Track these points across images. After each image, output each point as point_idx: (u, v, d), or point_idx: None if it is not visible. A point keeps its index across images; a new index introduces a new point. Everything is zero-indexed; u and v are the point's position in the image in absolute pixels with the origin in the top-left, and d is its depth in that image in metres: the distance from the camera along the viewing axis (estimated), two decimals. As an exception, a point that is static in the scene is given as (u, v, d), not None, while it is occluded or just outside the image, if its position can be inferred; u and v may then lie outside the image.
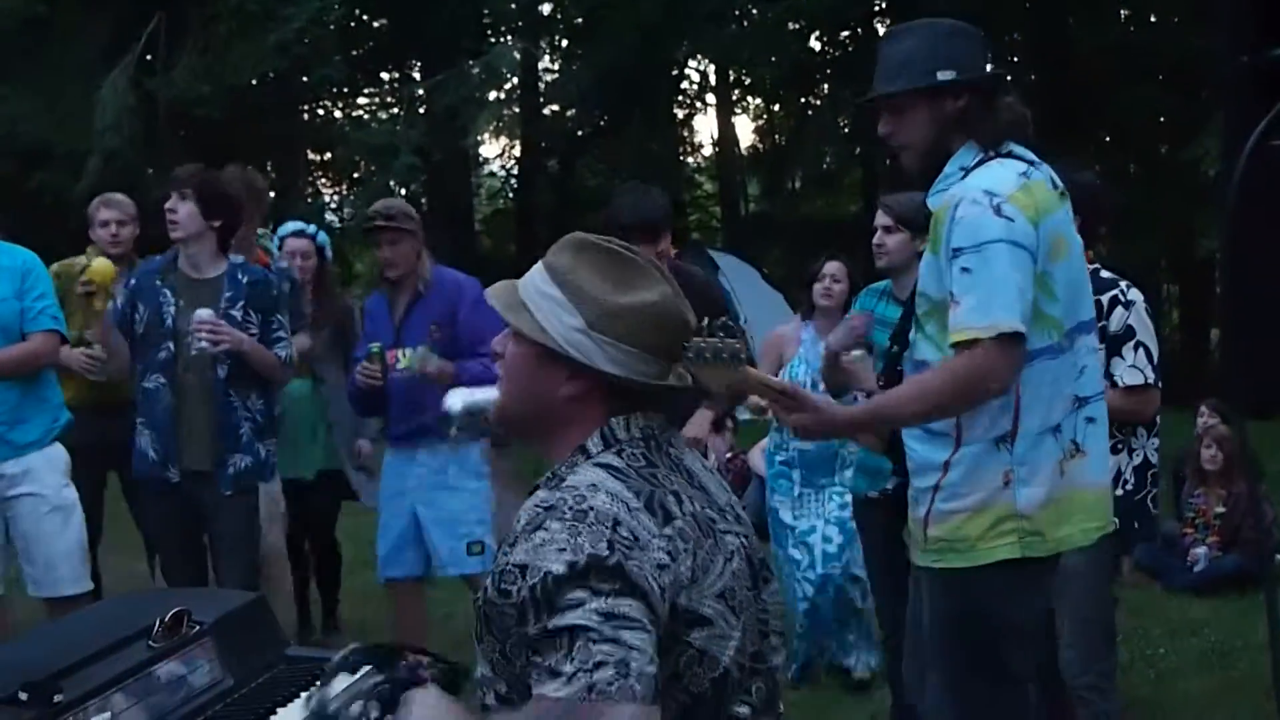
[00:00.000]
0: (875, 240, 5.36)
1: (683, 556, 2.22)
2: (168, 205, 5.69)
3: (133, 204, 7.01)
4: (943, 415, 3.59)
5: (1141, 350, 4.87)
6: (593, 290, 2.35)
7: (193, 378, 5.66)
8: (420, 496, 6.12)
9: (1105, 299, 4.83)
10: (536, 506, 2.23)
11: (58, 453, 5.83)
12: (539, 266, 2.43)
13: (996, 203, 3.45)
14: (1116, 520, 4.59)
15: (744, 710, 2.32)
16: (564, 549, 2.12)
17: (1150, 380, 4.85)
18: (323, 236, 7.29)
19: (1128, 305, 4.87)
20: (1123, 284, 4.92)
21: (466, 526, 6.11)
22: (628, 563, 2.13)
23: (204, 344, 5.52)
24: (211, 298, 5.67)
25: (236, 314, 5.66)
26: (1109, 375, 4.80)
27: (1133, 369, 4.83)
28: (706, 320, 3.37)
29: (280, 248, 7.15)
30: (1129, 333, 4.86)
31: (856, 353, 5.03)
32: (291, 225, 7.37)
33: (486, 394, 2.78)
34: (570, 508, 2.19)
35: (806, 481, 6.52)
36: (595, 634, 2.06)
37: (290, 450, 6.93)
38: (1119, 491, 4.80)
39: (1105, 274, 4.94)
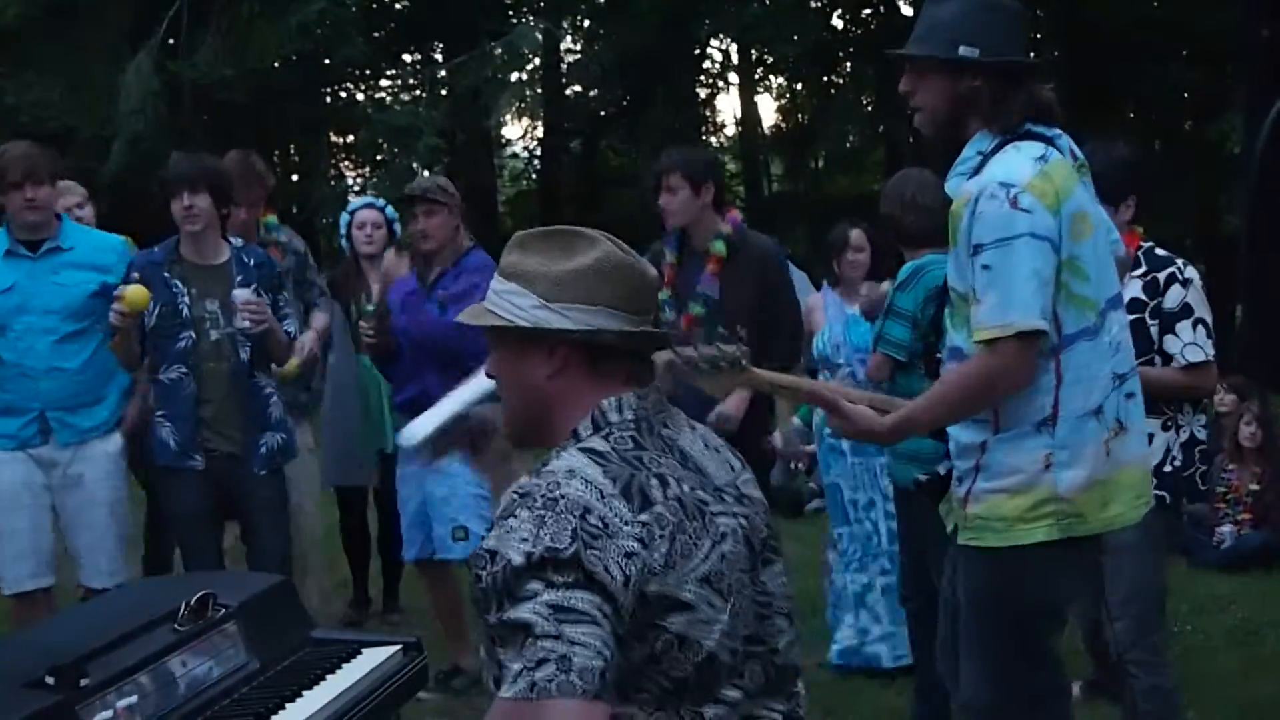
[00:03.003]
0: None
1: (658, 543, 2.24)
2: (187, 203, 5.69)
3: (82, 187, 7.04)
4: (968, 415, 3.62)
5: (1201, 327, 4.86)
6: (538, 268, 2.42)
7: (214, 364, 5.70)
8: (425, 475, 6.14)
9: (1162, 276, 4.86)
10: (514, 492, 2.27)
11: (115, 443, 5.91)
12: (494, 278, 2.50)
13: (1014, 194, 3.45)
14: (1166, 494, 4.68)
15: (734, 694, 2.33)
16: (525, 539, 2.17)
17: (1210, 356, 4.84)
18: (391, 210, 7.41)
19: (1185, 283, 4.86)
20: (1179, 261, 4.93)
21: (453, 511, 6.11)
22: (587, 553, 2.16)
23: (246, 324, 5.59)
24: (222, 283, 5.72)
25: None
26: (1164, 352, 4.83)
27: (1193, 346, 4.82)
28: (702, 328, 3.42)
29: (350, 222, 7.34)
30: (1186, 310, 4.85)
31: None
32: (363, 199, 7.66)
33: (445, 408, 2.81)
34: (542, 495, 2.23)
35: (857, 451, 6.45)
36: (540, 629, 2.11)
37: (375, 423, 7.20)
38: (1168, 468, 4.84)
39: (1160, 251, 4.95)
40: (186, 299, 5.67)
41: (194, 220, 5.71)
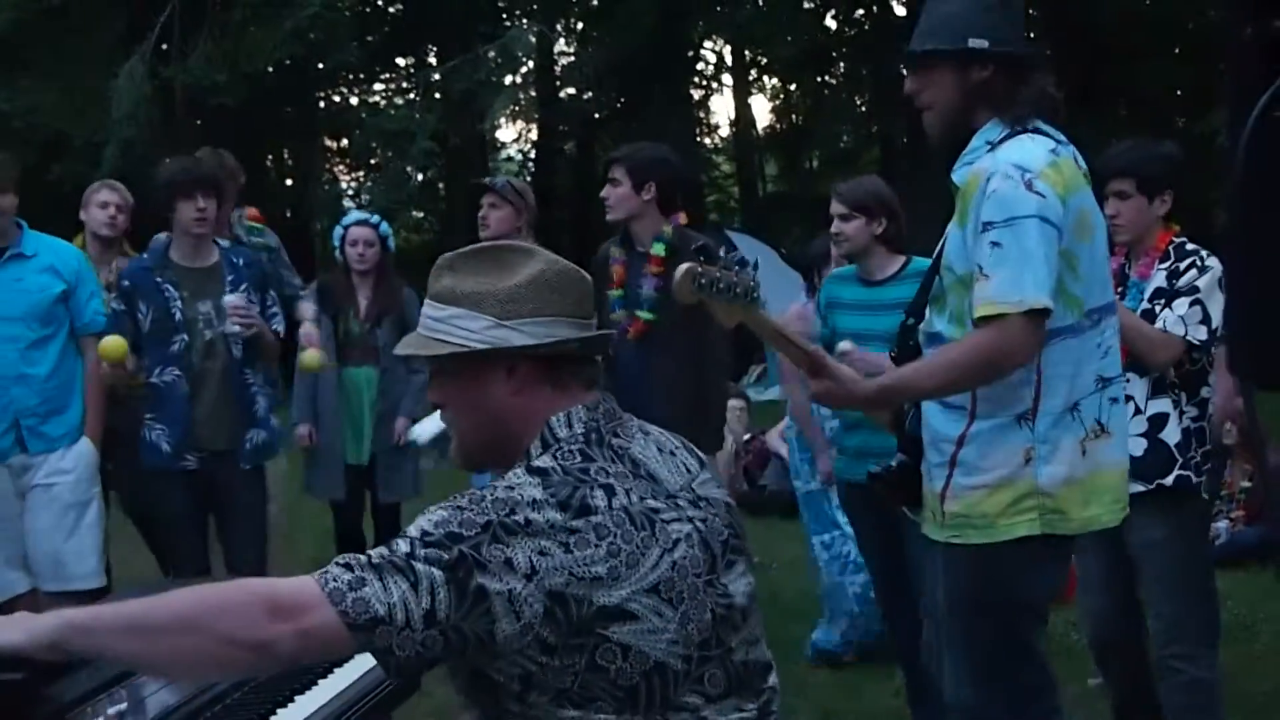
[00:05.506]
0: (834, 229, 5.40)
1: (590, 551, 2.23)
2: (201, 205, 5.76)
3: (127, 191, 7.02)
4: (966, 388, 3.55)
5: (1198, 307, 4.67)
6: (481, 288, 2.39)
7: (208, 363, 5.78)
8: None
9: (1184, 264, 4.78)
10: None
11: (85, 447, 5.84)
12: (425, 305, 2.48)
13: (1029, 178, 3.44)
14: (1191, 474, 4.67)
15: (695, 700, 2.31)
16: (431, 519, 2.23)
17: (1184, 335, 4.64)
18: (385, 227, 7.34)
19: (1202, 269, 4.72)
20: (1203, 252, 4.81)
21: None
22: (488, 548, 2.19)
23: (236, 329, 5.69)
24: (213, 284, 5.82)
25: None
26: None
27: (1178, 321, 4.65)
28: (724, 250, 3.35)
29: (344, 237, 7.22)
30: (1191, 290, 4.70)
31: (843, 345, 5.00)
32: (356, 214, 7.51)
33: None
34: (469, 497, 2.25)
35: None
36: (362, 565, 2.20)
37: (354, 435, 7.10)
38: (1190, 453, 4.73)
39: (1190, 245, 4.87)
40: (179, 303, 5.75)
41: (204, 224, 5.81)
